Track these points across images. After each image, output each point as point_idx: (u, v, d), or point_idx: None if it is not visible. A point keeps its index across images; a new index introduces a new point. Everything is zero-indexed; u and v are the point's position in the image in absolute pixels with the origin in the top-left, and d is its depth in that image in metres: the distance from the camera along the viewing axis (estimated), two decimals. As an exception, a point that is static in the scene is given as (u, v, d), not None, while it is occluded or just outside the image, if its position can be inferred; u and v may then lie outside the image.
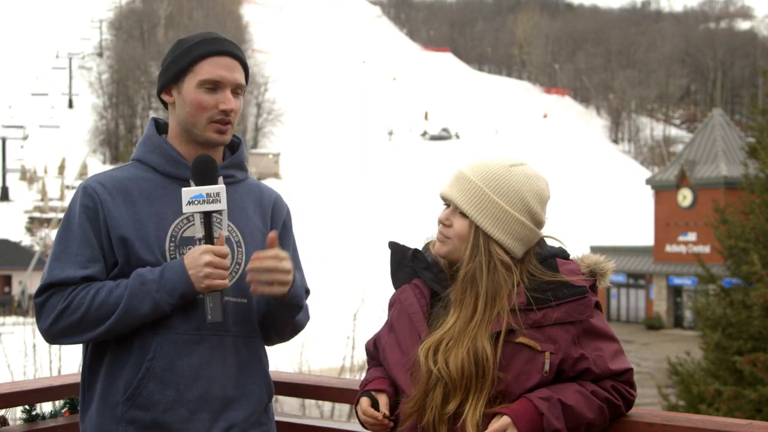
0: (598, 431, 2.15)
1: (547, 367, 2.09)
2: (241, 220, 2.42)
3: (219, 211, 2.29)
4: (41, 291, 2.27)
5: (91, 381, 2.33)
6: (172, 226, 2.32)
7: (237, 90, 2.37)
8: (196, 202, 2.25)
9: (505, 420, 2.04)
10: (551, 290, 2.12)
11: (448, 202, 2.23)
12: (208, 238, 2.27)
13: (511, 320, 2.09)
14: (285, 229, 2.55)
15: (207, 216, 2.27)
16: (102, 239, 2.29)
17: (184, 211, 2.27)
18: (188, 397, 2.28)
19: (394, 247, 2.35)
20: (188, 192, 2.25)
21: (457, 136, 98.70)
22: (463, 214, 2.18)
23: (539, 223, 2.21)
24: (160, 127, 2.49)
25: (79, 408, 2.38)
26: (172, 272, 2.24)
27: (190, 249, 2.33)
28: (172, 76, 2.37)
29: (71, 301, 2.23)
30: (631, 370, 2.19)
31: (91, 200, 2.30)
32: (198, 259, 2.23)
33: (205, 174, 2.28)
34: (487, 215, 2.16)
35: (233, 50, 2.37)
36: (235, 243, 2.39)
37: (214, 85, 2.33)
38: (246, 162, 2.54)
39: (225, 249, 2.26)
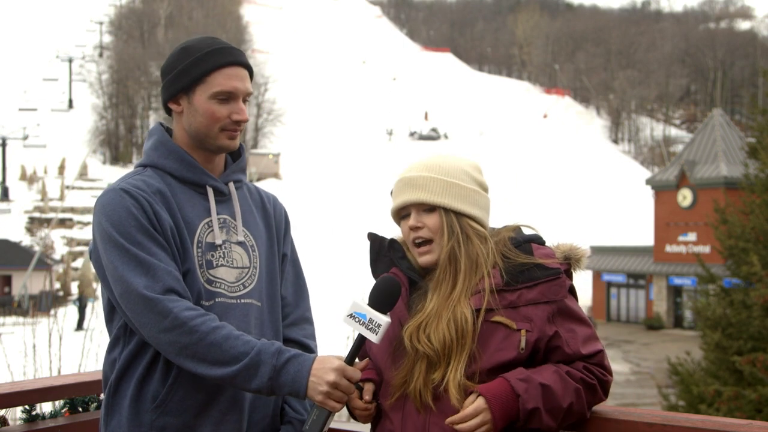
0: (577, 417, 2.17)
1: (523, 344, 2.14)
2: (251, 224, 2.46)
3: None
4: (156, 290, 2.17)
5: (119, 388, 2.29)
6: (197, 233, 2.33)
7: (246, 98, 2.38)
8: (357, 320, 2.15)
9: (479, 402, 2.08)
10: (526, 271, 2.19)
11: (407, 211, 2.29)
12: (350, 358, 2.18)
13: (489, 296, 2.16)
14: (287, 229, 2.61)
15: (360, 338, 2.17)
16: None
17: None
18: (220, 399, 2.29)
19: (373, 237, 2.42)
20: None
21: (446, 137, 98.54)
22: (428, 210, 2.25)
23: (486, 189, 2.34)
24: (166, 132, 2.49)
25: (102, 412, 2.34)
26: (296, 369, 2.14)
27: (212, 255, 2.33)
28: (182, 86, 2.35)
29: (186, 321, 2.14)
30: (602, 351, 2.23)
31: (137, 203, 2.25)
32: (327, 373, 2.12)
33: (383, 298, 2.17)
34: (448, 194, 2.25)
35: (243, 59, 2.38)
36: (250, 247, 2.43)
37: (227, 96, 2.33)
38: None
39: (357, 374, 2.17)
